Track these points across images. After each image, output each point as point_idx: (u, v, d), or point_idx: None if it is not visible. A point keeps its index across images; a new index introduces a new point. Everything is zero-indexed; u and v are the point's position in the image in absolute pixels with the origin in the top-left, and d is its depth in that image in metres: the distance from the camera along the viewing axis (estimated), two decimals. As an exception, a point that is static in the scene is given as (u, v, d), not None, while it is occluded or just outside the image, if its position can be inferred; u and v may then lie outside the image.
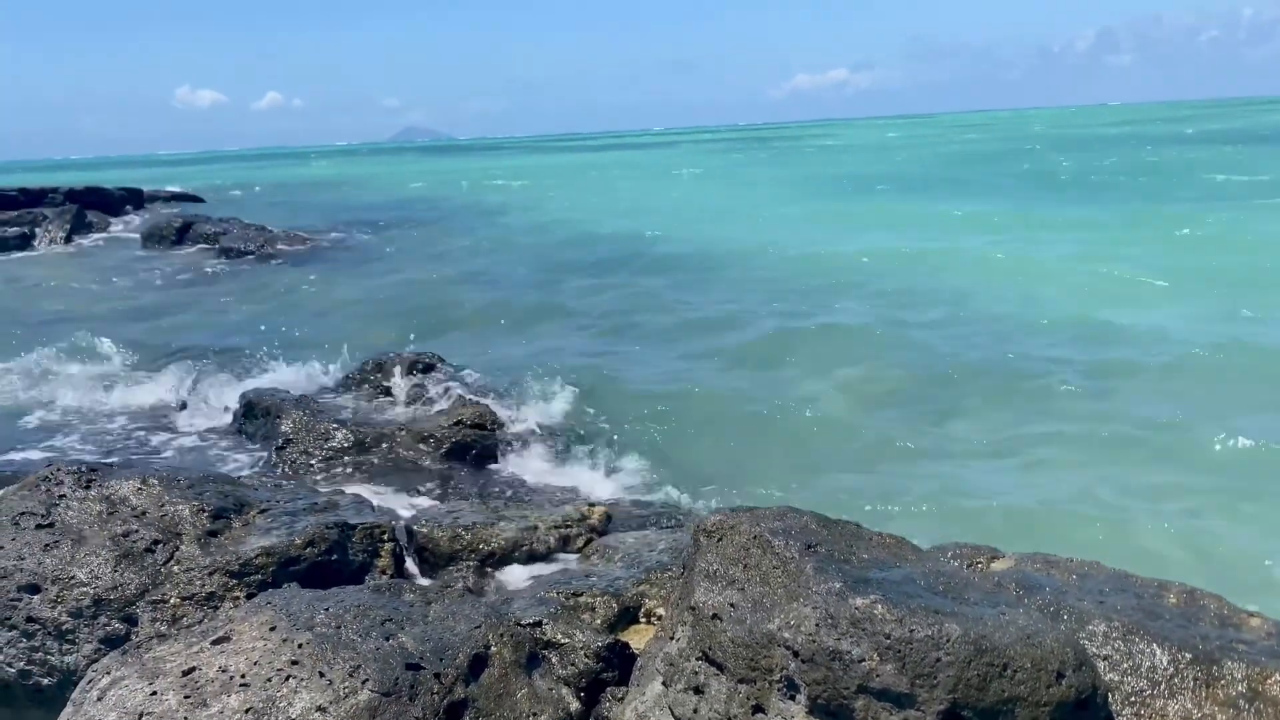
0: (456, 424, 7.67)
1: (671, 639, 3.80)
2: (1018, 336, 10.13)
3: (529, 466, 7.33)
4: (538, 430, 8.04)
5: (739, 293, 13.33)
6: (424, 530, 5.31)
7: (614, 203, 31.63)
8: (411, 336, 11.82)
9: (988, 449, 7.25)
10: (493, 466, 7.29)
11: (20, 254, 23.37)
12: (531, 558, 5.23)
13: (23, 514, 4.65)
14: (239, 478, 6.06)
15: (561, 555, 5.30)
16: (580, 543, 5.41)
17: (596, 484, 6.91)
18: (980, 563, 4.26)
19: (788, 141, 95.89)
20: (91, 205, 29.30)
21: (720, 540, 3.88)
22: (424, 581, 4.98)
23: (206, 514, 4.79)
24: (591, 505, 5.83)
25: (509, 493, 6.76)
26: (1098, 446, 7.14)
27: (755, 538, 3.75)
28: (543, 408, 8.72)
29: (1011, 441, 7.41)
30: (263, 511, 5.04)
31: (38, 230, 25.01)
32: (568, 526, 5.51)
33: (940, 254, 15.35)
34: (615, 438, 7.92)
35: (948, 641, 3.00)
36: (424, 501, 6.48)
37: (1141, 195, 23.16)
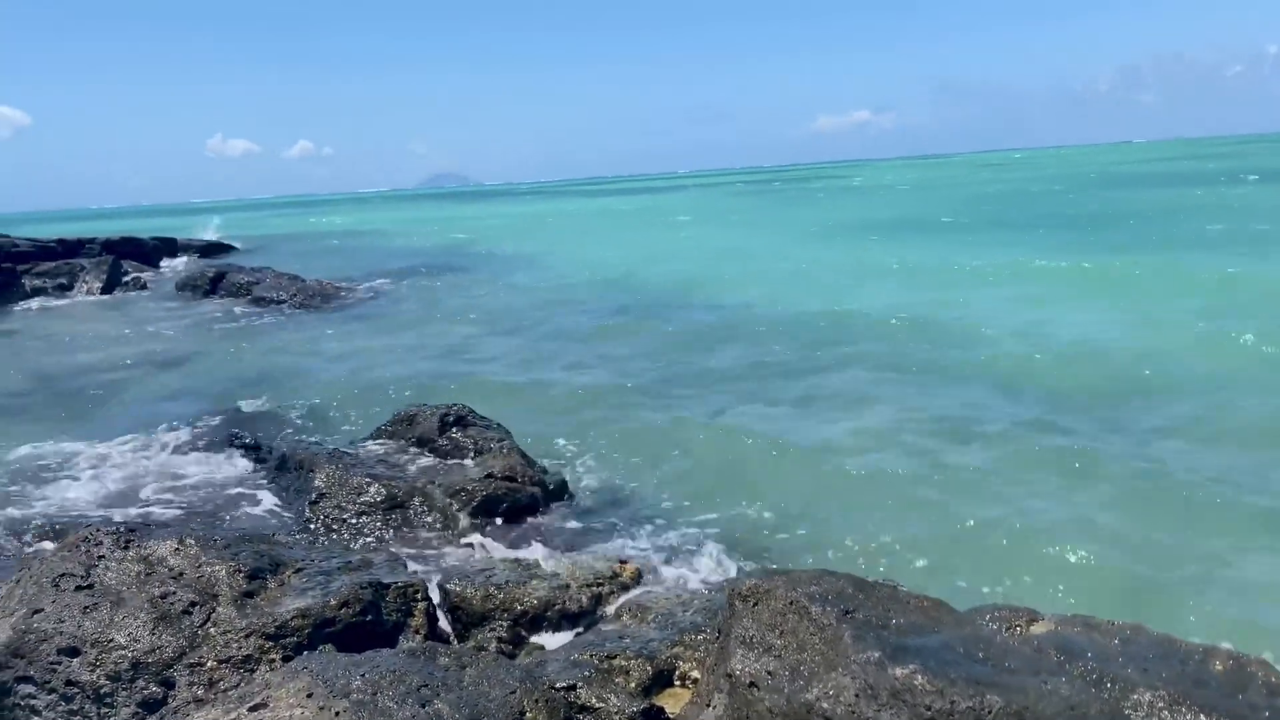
0: (487, 477, 7.68)
1: (708, 706, 3.77)
2: (1049, 394, 10.02)
3: (559, 520, 7.32)
4: (567, 483, 8.05)
5: (764, 344, 13.31)
6: (457, 589, 5.31)
7: (637, 249, 31.80)
8: (445, 387, 11.91)
9: (1024, 506, 7.16)
10: (525, 520, 7.28)
11: (59, 303, 23.82)
12: (564, 617, 5.22)
13: (63, 575, 4.71)
14: (273, 535, 6.10)
15: (594, 614, 5.29)
16: (613, 602, 5.39)
17: (626, 539, 6.88)
18: (1019, 626, 4.19)
19: (810, 183, 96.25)
20: (127, 255, 29.88)
21: (756, 605, 3.86)
22: (457, 644, 4.98)
23: (243, 574, 4.82)
24: (622, 562, 5.82)
25: (540, 548, 6.73)
26: (1142, 507, 7.03)
27: (792, 603, 3.73)
28: (572, 460, 8.74)
29: (1047, 497, 7.32)
30: (298, 571, 5.06)
31: (76, 280, 25.50)
32: (599, 584, 5.50)
33: (961, 308, 15.28)
34: (644, 492, 7.91)
35: (990, 714, 2.96)
36: (456, 557, 6.48)
37: (1178, 240, 22.96)
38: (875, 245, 26.85)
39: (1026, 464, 7.83)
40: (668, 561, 6.32)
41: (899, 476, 7.74)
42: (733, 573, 6.03)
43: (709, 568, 6.17)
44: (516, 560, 5.97)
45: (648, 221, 48.94)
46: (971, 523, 6.82)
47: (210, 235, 42.62)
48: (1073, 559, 6.11)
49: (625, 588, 5.56)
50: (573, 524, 7.22)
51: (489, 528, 7.11)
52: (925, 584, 4.87)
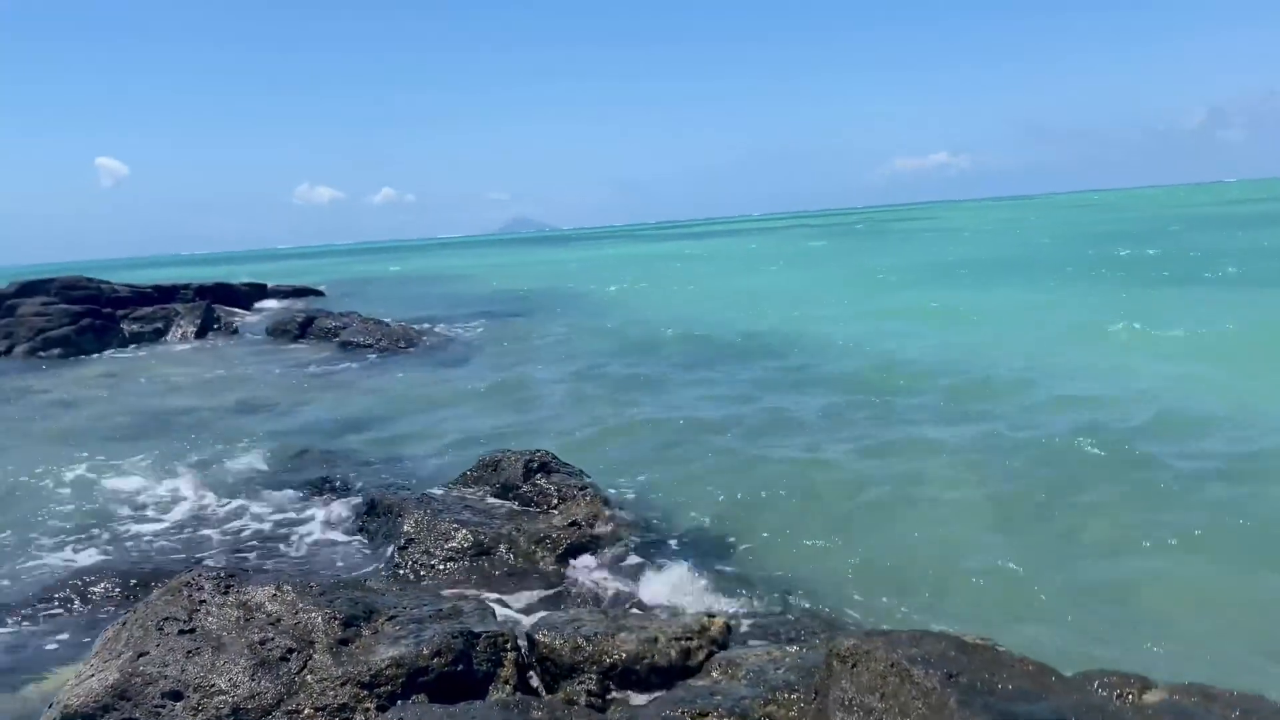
0: (571, 525, 7.71)
1: (806, 770, 3.68)
2: (1143, 440, 9.68)
3: (644, 570, 7.28)
4: (653, 532, 8.01)
5: (846, 389, 13.13)
6: (545, 640, 5.29)
7: (712, 292, 31.83)
8: (525, 431, 12.02)
9: (1131, 565, 6.88)
10: (608, 569, 7.26)
11: (155, 348, 24.72)
12: (653, 671, 5.15)
13: (167, 619, 4.83)
14: (365, 581, 6.18)
15: (683, 668, 5.22)
16: (701, 655, 5.31)
17: (713, 591, 6.81)
18: (1131, 693, 4.02)
19: (888, 225, 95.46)
20: (220, 300, 30.96)
21: (855, 666, 3.78)
22: (546, 695, 4.96)
23: (338, 622, 4.89)
24: (711, 616, 5.73)
25: (625, 598, 6.71)
26: (1249, 556, 6.73)
27: (893, 665, 3.64)
28: (658, 508, 8.70)
29: (1149, 554, 7.04)
30: (390, 619, 5.11)
31: (171, 325, 26.48)
32: (688, 639, 5.42)
33: (1054, 356, 14.88)
34: (729, 542, 7.82)
35: (1110, 791, 2.83)
36: (542, 606, 6.49)
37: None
38: (957, 290, 26.40)
39: (1132, 521, 7.54)
40: (757, 615, 6.22)
41: (994, 531, 7.53)
42: (825, 629, 5.90)
43: (800, 623, 6.06)
44: (603, 611, 5.95)
45: (722, 265, 49.03)
46: (1076, 585, 6.56)
47: (298, 281, 43.92)
48: (1193, 628, 5.83)
49: (714, 642, 5.47)
50: (657, 574, 7.16)
51: (574, 576, 7.11)
52: (1027, 647, 4.70)
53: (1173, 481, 8.44)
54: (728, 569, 7.20)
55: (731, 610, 6.44)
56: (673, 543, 7.87)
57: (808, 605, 6.42)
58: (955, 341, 16.28)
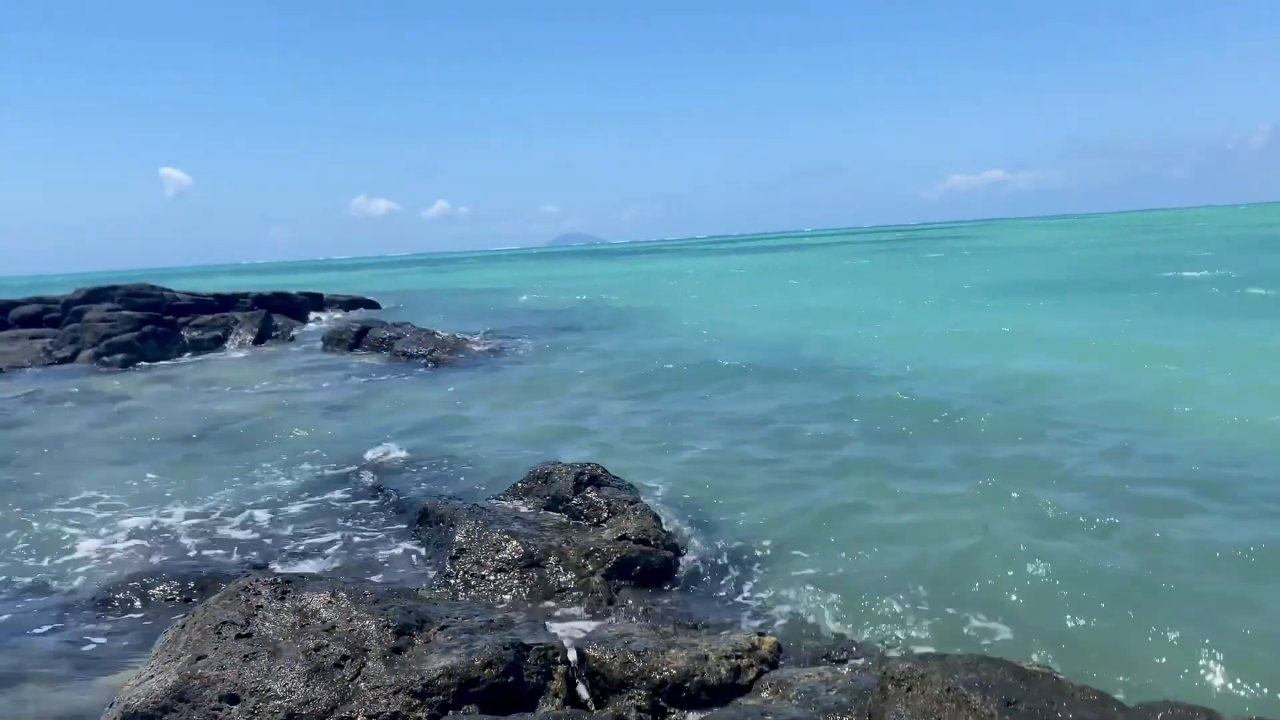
0: (621, 539, 7.70)
1: (859, 794, 3.64)
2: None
3: (693, 586, 7.26)
4: (702, 548, 7.98)
5: (902, 412, 12.94)
6: (595, 654, 5.30)
7: (763, 307, 31.72)
8: (575, 444, 12.06)
9: (1212, 601, 6.69)
10: (658, 584, 7.25)
11: (214, 355, 25.25)
12: (703, 689, 5.13)
13: (224, 623, 4.91)
14: (418, 590, 6.24)
15: (733, 687, 5.18)
16: (751, 674, 5.28)
17: (763, 609, 6.76)
18: (1196, 727, 3.92)
19: (941, 242, 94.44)
20: (277, 309, 31.54)
21: (910, 690, 3.72)
22: (596, 710, 4.96)
23: (391, 630, 4.93)
24: (761, 635, 5.70)
25: (675, 614, 6.69)
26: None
27: (949, 690, 3.58)
28: (708, 524, 8.67)
29: (1227, 585, 6.85)
30: (442, 628, 5.15)
31: (230, 333, 27.03)
32: (738, 657, 5.39)
33: (1120, 379, 14.55)
34: (780, 560, 7.76)
35: (1177, 828, 2.76)
36: (591, 620, 6.49)
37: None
38: (1019, 309, 26.01)
39: (1202, 556, 7.33)
40: (807, 635, 6.16)
41: (1059, 558, 7.35)
42: (877, 652, 5.83)
43: (852, 645, 5.99)
44: (653, 627, 5.93)
45: (773, 280, 48.84)
46: (1143, 617, 6.39)
47: (353, 292, 44.59)
48: (1267, 662, 5.64)
49: (765, 661, 5.44)
50: (708, 590, 7.15)
51: (623, 590, 7.11)
52: (1087, 675, 4.59)
53: (1220, 498, 8.23)
54: (778, 588, 7.14)
55: (782, 629, 6.38)
56: (722, 560, 7.83)
57: (860, 627, 6.33)
58: (1029, 370, 15.89)
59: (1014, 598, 6.72)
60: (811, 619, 6.59)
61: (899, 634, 6.31)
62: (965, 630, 6.28)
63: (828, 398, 14.15)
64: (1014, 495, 8.71)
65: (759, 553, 7.94)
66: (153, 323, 25.93)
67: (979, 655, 3.89)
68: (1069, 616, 6.37)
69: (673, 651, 5.33)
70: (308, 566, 8.14)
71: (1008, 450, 10.57)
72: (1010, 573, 7.04)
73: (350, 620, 4.97)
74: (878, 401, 13.46)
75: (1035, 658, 5.20)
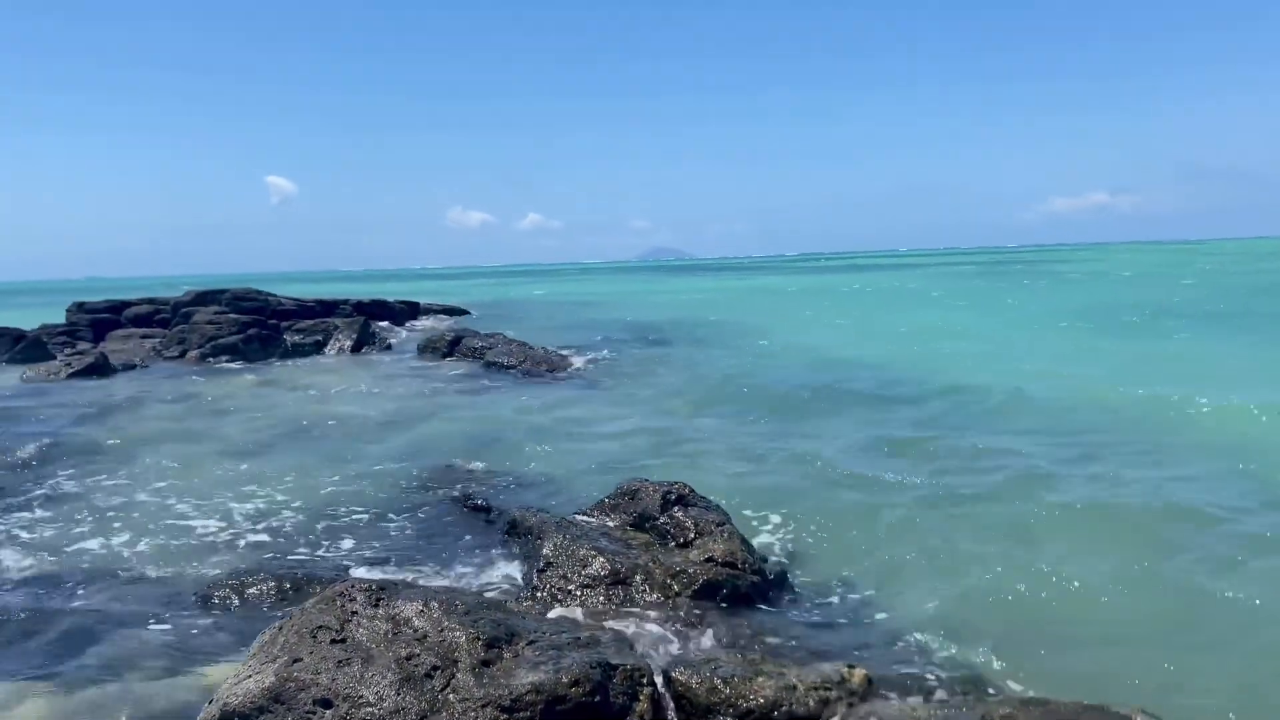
0: (708, 561, 7.62)
1: (956, 844, 3.50)
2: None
3: (781, 613, 7.14)
4: (790, 574, 7.86)
5: (1007, 435, 12.61)
6: (682, 678, 5.24)
7: (862, 327, 31.30)
8: (661, 461, 12.03)
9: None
10: (744, 609, 7.14)
11: (314, 360, 25.99)
12: (790, 719, 5.03)
13: (320, 627, 5.00)
14: (505, 602, 6.28)
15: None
16: (840, 707, 5.16)
17: (853, 640, 6.61)
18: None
19: (1042, 265, 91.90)
20: (375, 316, 32.41)
21: (1013, 737, 3.58)
22: (683, 735, 4.90)
23: (481, 642, 4.96)
24: (851, 667, 5.56)
25: (761, 641, 6.58)
26: None
27: (1055, 741, 3.42)
28: (796, 549, 8.54)
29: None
30: (531, 643, 5.16)
31: (330, 338, 27.81)
32: (827, 688, 5.28)
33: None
34: (871, 589, 7.59)
35: None
36: (677, 642, 6.42)
37: None
38: (1152, 339, 25.12)
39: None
40: (899, 669, 5.99)
41: (1178, 596, 7.03)
42: (971, 689, 5.63)
43: (944, 682, 5.80)
44: (740, 653, 5.85)
45: (872, 301, 48.17)
46: (1260, 665, 6.07)
47: (448, 301, 45.49)
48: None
49: (854, 694, 5.31)
50: (795, 618, 7.02)
51: (709, 614, 7.02)
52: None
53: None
54: (869, 618, 6.98)
55: (872, 662, 6.22)
56: (811, 587, 7.71)
57: (955, 663, 6.14)
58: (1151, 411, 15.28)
59: (1124, 641, 6.43)
60: (903, 652, 6.41)
61: (996, 670, 6.10)
62: (1067, 672, 6.03)
63: (922, 423, 13.85)
64: (1144, 540, 8.36)
65: (849, 581, 7.79)
66: (256, 326, 26.84)
67: (1098, 703, 3.71)
68: (1185, 665, 6.07)
69: (760, 680, 5.25)
70: (397, 571, 8.27)
71: (1112, 490, 10.17)
72: (1121, 615, 6.75)
73: (441, 630, 5.01)
74: (977, 432, 13.10)
75: (1146, 705, 4.96)
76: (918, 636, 6.65)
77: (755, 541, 8.37)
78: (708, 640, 6.50)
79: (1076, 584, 7.40)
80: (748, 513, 9.52)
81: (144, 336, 28.83)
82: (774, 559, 8.14)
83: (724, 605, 7.17)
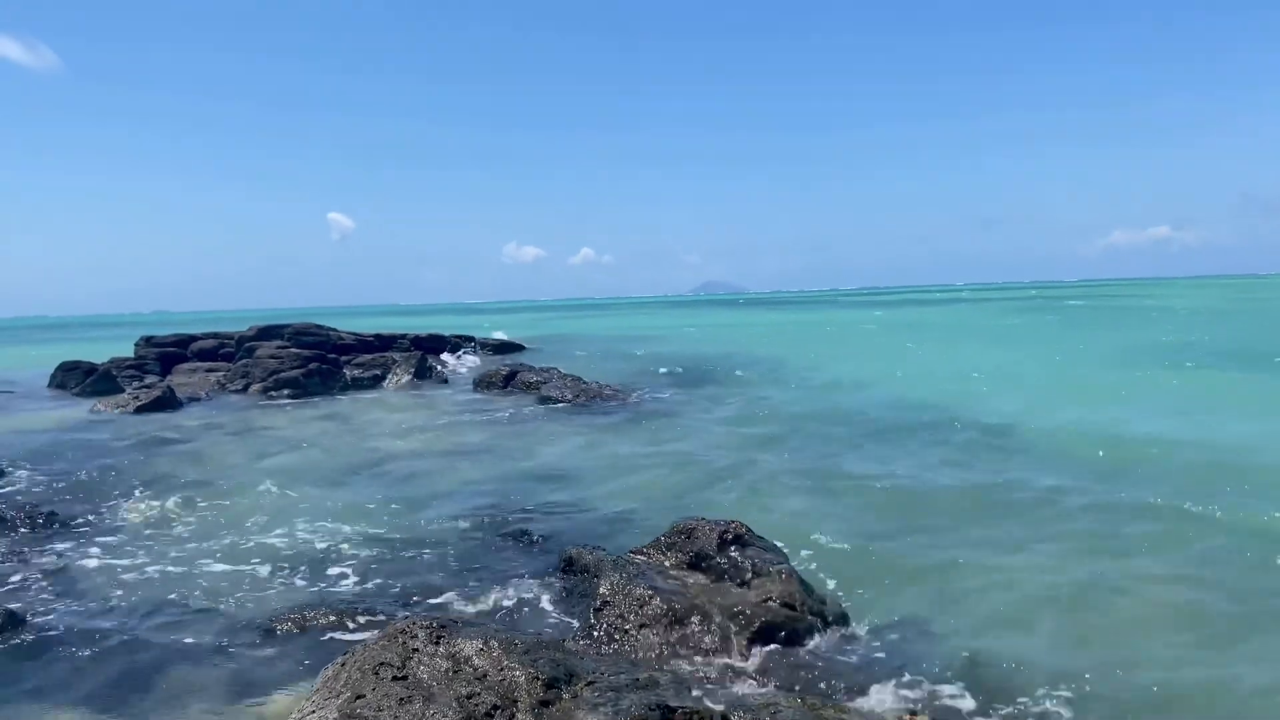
0: (765, 601, 7.56)
1: None
2: None
3: (840, 655, 7.04)
4: (849, 616, 7.76)
5: (1065, 474, 12.37)
6: (742, 722, 5.19)
7: (916, 364, 30.96)
8: (716, 499, 11.98)
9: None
10: (803, 651, 7.07)
11: (373, 393, 26.37)
12: (852, 766, 4.95)
13: (382, 664, 5.05)
14: (564, 641, 6.28)
15: (884, 768, 4.99)
16: (903, 755, 5.07)
17: (912, 683, 6.49)
18: None
19: (1109, 301, 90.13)
20: (432, 350, 32.83)
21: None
22: (743, 781, 4.85)
23: (540, 683, 4.97)
24: (913, 713, 5.48)
25: (820, 683, 6.50)
26: None
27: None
28: (855, 591, 8.43)
29: None
30: (589, 684, 5.16)
31: (388, 372, 28.23)
32: (890, 735, 5.19)
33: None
34: (930, 632, 7.46)
35: None
36: (736, 684, 6.37)
37: None
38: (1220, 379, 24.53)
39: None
40: (958, 714, 5.88)
41: (1224, 651, 6.84)
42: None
43: (1010, 731, 5.68)
44: (800, 696, 5.78)
45: (930, 336, 47.63)
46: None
47: (503, 335, 45.93)
48: None
49: (916, 742, 5.22)
50: (854, 661, 6.92)
51: (767, 655, 6.96)
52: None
53: None
54: (927, 662, 6.85)
55: (932, 707, 6.11)
56: (869, 629, 7.59)
57: (1015, 710, 6.00)
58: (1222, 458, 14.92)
59: (1191, 695, 6.25)
60: (962, 697, 6.28)
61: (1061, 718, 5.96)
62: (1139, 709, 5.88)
63: (983, 465, 13.62)
64: (1198, 588, 8.14)
65: (909, 623, 7.66)
66: (317, 360, 27.34)
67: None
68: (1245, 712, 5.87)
69: (821, 726, 5.18)
70: (454, 605, 8.33)
71: (1182, 535, 9.91)
72: (1191, 672, 6.56)
73: (501, 669, 5.04)
74: (1037, 474, 12.84)
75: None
76: (982, 681, 6.51)
77: (812, 581, 8.27)
78: (767, 682, 6.44)
79: (1150, 633, 7.21)
80: (805, 552, 9.44)
81: (209, 370, 29.51)
82: (833, 601, 8.03)
83: (783, 646, 7.11)
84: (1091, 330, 46.17)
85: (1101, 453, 13.94)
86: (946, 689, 6.42)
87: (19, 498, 12.74)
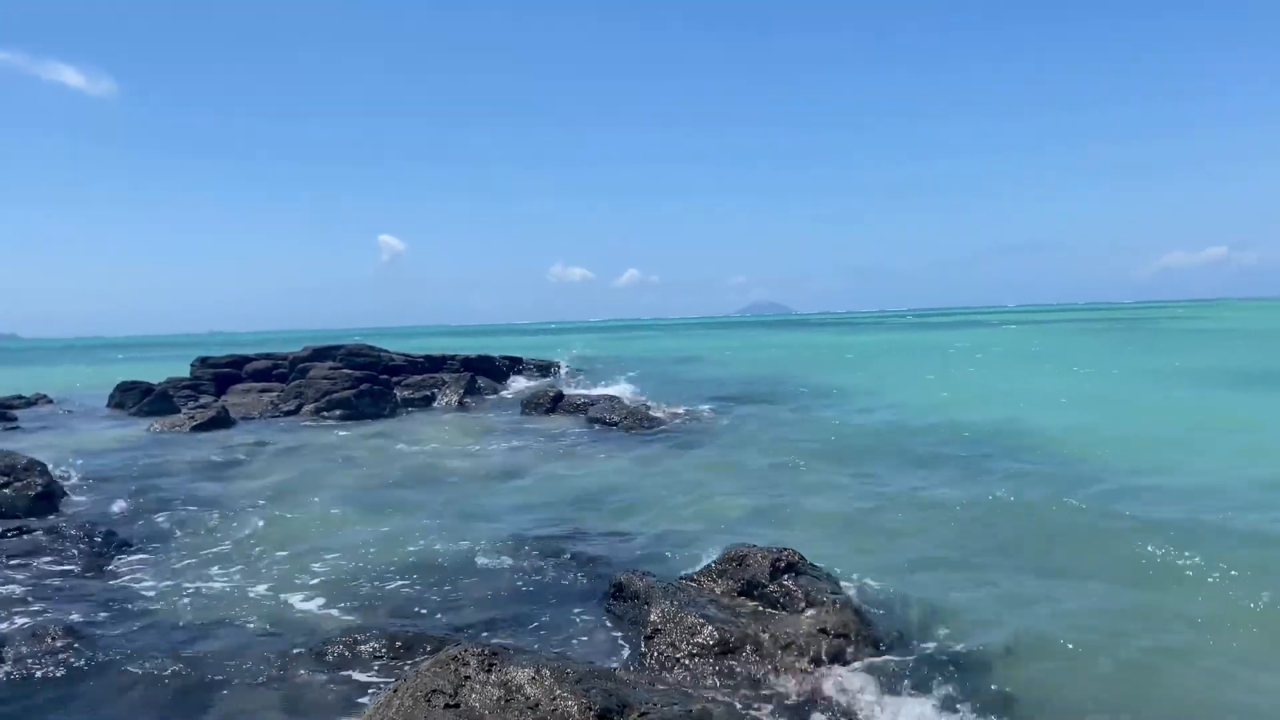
0: (820, 632, 7.43)
1: None
2: None
3: (898, 690, 6.88)
4: (905, 647, 7.59)
5: (1131, 507, 12.06)
6: (798, 757, 5.07)
7: (968, 387, 30.49)
8: (766, 525, 11.84)
9: None
10: (859, 684, 6.91)
11: (423, 414, 26.58)
12: (913, 806, 4.81)
13: (434, 691, 5.02)
14: (614, 669, 6.21)
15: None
16: (966, 796, 4.91)
17: (977, 718, 6.32)
18: None
19: (1166, 323, 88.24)
20: (480, 371, 33.02)
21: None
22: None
23: (594, 713, 4.91)
24: (975, 751, 5.31)
25: (877, 716, 6.35)
26: None
27: None
28: (911, 621, 8.25)
29: None
30: (642, 715, 5.08)
31: (438, 393, 28.46)
32: (951, 774, 5.04)
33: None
34: (992, 668, 7.26)
35: None
36: (788, 716, 6.25)
37: None
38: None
39: None
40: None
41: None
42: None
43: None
44: (857, 732, 5.64)
45: (982, 358, 46.94)
46: None
47: (550, 355, 46.11)
48: None
49: (979, 782, 5.05)
50: (913, 692, 6.75)
51: (823, 686, 6.82)
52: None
53: None
54: (993, 698, 6.66)
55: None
56: (927, 662, 7.40)
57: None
58: None
59: None
60: (1028, 737, 6.10)
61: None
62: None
63: (1038, 495, 13.30)
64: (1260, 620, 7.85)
65: (970, 654, 7.46)
66: (369, 381, 27.63)
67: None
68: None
69: (880, 763, 5.04)
70: (504, 629, 8.29)
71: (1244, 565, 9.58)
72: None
73: (554, 699, 4.98)
74: (1097, 506, 12.50)
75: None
76: (1045, 716, 6.32)
77: (867, 610, 8.11)
78: (822, 715, 6.31)
79: (1227, 677, 6.96)
80: (860, 580, 9.26)
81: (262, 390, 29.95)
82: (889, 631, 7.85)
83: (838, 678, 6.96)
84: (1172, 355, 45.17)
85: (1186, 491, 13.50)
86: (1008, 725, 6.24)
87: (79, 516, 12.97)
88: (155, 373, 35.34)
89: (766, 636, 7.32)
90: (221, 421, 23.74)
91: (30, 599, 9.34)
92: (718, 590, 8.48)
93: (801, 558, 8.69)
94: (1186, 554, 9.79)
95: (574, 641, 8.00)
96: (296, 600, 9.35)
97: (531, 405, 25.54)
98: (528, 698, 5.02)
